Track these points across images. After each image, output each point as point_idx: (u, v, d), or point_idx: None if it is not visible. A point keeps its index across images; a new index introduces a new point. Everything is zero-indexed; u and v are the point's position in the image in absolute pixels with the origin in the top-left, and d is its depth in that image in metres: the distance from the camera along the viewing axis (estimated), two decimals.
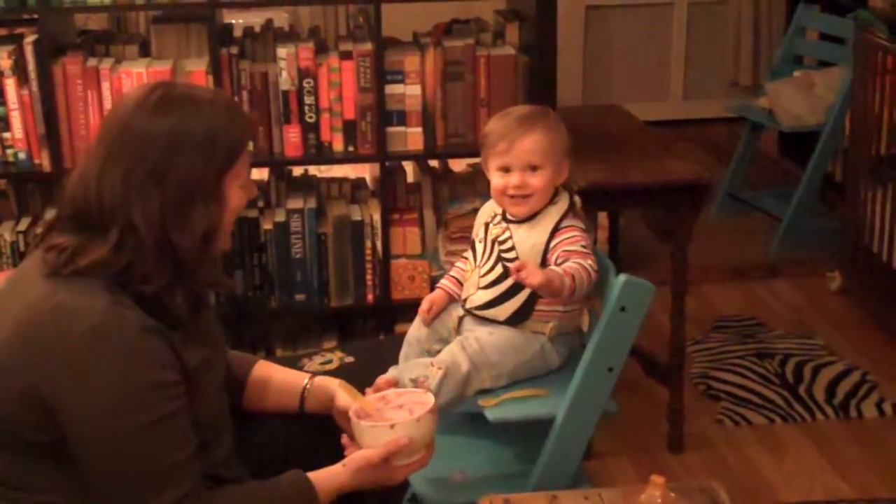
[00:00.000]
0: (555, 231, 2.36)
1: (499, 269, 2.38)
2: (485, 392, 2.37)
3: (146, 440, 1.80)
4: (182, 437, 1.85)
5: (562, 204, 2.39)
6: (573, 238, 2.34)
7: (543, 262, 2.34)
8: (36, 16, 3.16)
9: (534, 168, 2.34)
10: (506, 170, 2.36)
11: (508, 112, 2.43)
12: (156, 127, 1.82)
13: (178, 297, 1.86)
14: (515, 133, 2.35)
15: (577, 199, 2.43)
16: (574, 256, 2.30)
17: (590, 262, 2.30)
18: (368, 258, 3.37)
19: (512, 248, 2.37)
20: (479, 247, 2.45)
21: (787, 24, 5.47)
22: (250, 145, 1.95)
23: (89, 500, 1.86)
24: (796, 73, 5.04)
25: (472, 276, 2.43)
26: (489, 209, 2.48)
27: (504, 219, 2.42)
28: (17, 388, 1.80)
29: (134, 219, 1.81)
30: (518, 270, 2.22)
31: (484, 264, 2.41)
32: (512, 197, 2.36)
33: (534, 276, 2.21)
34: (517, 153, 2.34)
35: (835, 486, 3.20)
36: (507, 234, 2.39)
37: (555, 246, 2.34)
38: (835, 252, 4.54)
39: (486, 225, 2.45)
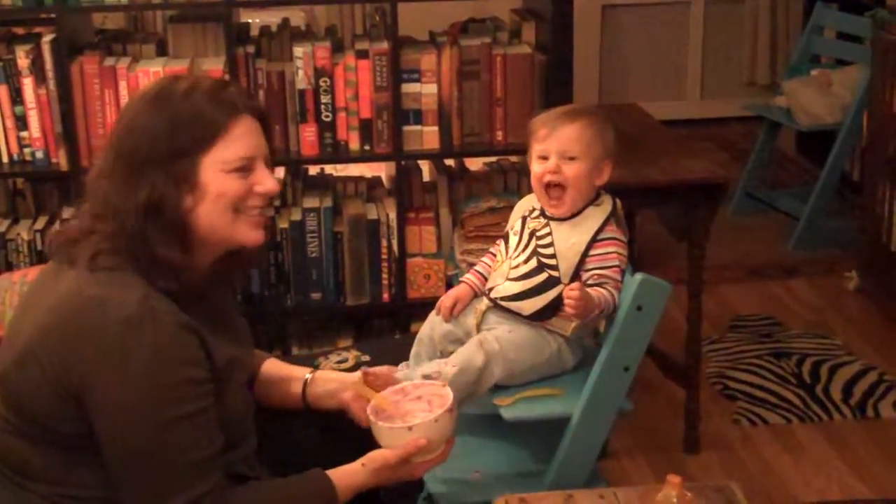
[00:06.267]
0: (596, 235, 2.35)
1: (533, 263, 2.36)
2: (498, 390, 2.37)
3: (172, 436, 1.81)
4: (209, 434, 1.86)
5: (605, 206, 2.39)
6: (609, 255, 2.34)
7: (580, 265, 2.34)
8: (53, 15, 3.16)
9: (570, 158, 2.35)
10: (544, 158, 2.37)
11: (558, 107, 2.47)
12: (126, 114, 1.92)
13: (151, 268, 1.87)
14: (558, 122, 2.38)
15: (619, 202, 2.42)
16: (609, 285, 2.31)
17: (617, 292, 2.31)
18: (384, 257, 3.37)
19: (550, 245, 2.36)
20: (513, 238, 2.43)
21: (805, 22, 5.45)
22: (262, 140, 1.95)
23: None
24: (814, 72, 5.03)
25: (501, 267, 2.41)
26: (527, 203, 2.48)
27: (543, 214, 2.41)
28: (50, 378, 1.81)
29: (102, 189, 1.89)
30: (572, 295, 2.23)
31: (517, 256, 2.39)
32: (548, 186, 2.36)
33: (574, 308, 2.23)
34: (555, 140, 2.36)
35: (852, 486, 3.19)
36: (546, 230, 2.38)
37: (592, 256, 2.34)
38: (852, 251, 4.53)
39: (524, 218, 2.44)
